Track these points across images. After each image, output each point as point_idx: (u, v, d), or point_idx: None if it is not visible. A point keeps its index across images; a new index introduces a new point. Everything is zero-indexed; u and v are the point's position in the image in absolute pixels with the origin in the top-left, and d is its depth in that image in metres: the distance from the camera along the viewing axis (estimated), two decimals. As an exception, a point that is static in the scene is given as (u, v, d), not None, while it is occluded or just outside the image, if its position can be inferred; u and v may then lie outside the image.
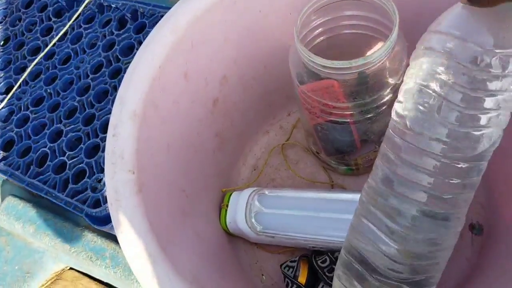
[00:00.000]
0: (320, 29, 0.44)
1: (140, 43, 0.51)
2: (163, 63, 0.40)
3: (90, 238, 0.52)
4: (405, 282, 0.35)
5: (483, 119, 0.30)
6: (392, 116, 0.35)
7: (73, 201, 0.44)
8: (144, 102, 0.39)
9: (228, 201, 0.50)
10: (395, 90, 0.40)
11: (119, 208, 0.34)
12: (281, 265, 0.48)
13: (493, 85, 0.29)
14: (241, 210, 0.49)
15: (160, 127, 0.41)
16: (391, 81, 0.40)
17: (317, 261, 0.46)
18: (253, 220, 0.49)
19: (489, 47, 0.29)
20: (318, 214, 0.47)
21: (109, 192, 0.35)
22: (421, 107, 0.32)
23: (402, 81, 0.34)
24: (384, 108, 0.41)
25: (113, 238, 0.52)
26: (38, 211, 0.55)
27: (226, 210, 0.50)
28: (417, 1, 0.43)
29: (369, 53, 0.42)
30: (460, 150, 0.31)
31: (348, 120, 0.43)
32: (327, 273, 0.45)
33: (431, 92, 0.31)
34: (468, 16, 0.30)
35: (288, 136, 0.58)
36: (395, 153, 0.34)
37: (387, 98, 0.40)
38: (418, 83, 0.32)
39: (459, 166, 0.32)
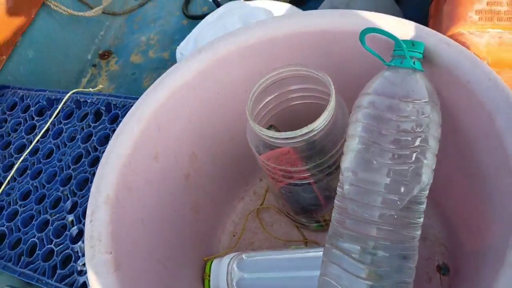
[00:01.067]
0: (272, 105, 0.50)
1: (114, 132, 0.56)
2: (133, 150, 0.45)
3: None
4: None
5: (413, 156, 0.36)
6: (341, 167, 0.39)
7: (61, 285, 0.47)
8: (116, 186, 0.43)
9: (210, 271, 0.53)
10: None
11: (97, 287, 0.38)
12: (263, 326, 0.50)
13: (409, 127, 0.36)
14: (223, 279, 0.52)
15: (134, 206, 0.45)
16: (338, 141, 0.44)
17: (296, 318, 0.49)
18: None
19: (403, 98, 0.36)
20: (295, 273, 0.50)
21: (89, 273, 0.38)
22: (359, 154, 0.37)
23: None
24: (337, 165, 0.45)
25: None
26: (31, 300, 0.57)
27: (209, 281, 0.53)
28: (356, 72, 0.49)
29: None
30: (398, 185, 0.36)
31: (308, 181, 0.47)
32: (306, 328, 0.47)
33: (365, 140, 0.37)
34: (386, 79, 0.38)
35: (262, 200, 0.62)
36: (345, 195, 0.39)
37: (337, 156, 0.45)
38: (353, 135, 0.38)
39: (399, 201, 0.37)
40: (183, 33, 0.87)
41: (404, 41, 0.38)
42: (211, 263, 0.54)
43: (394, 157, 0.37)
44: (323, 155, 0.44)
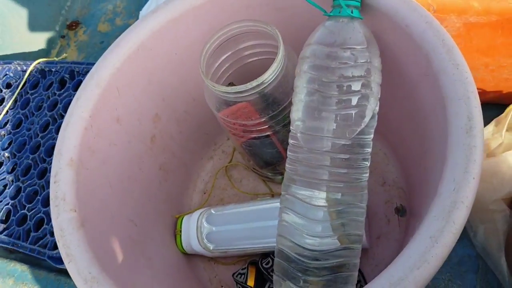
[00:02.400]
0: (228, 63, 0.51)
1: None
2: (93, 113, 0.46)
3: (64, 280, 0.57)
4: (327, 272, 0.40)
5: (356, 100, 0.38)
6: (290, 117, 0.41)
7: (35, 247, 0.50)
8: (80, 149, 0.44)
9: (181, 226, 0.56)
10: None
11: (64, 244, 0.40)
12: (233, 274, 0.53)
13: (350, 72, 0.38)
14: (193, 234, 0.54)
15: (99, 168, 0.46)
16: (290, 93, 0.46)
17: (262, 264, 0.52)
18: (205, 241, 0.54)
19: (342, 45, 0.38)
20: (261, 223, 0.53)
21: (55, 230, 0.41)
22: (306, 104, 0.40)
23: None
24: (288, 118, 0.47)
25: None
26: (14, 265, 0.60)
27: (180, 236, 0.55)
28: (305, 25, 0.50)
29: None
30: (344, 129, 0.39)
31: (267, 133, 0.49)
32: (271, 273, 0.50)
33: (309, 89, 0.39)
34: (326, 29, 0.40)
35: (230, 158, 0.64)
36: (297, 142, 0.41)
37: (290, 108, 0.46)
38: (299, 86, 0.40)
39: (346, 144, 0.39)
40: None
41: None
42: (182, 219, 0.56)
43: (338, 103, 0.39)
44: (277, 106, 0.46)
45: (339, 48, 0.39)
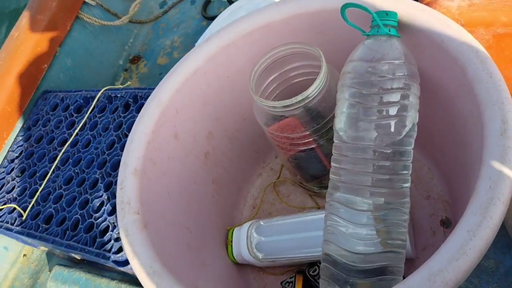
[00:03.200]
0: (275, 84, 0.55)
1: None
2: (154, 129, 0.51)
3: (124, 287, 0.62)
4: (372, 275, 0.42)
5: (392, 110, 0.41)
6: (333, 129, 0.45)
7: (101, 251, 0.55)
8: (143, 160, 0.49)
9: (232, 237, 0.59)
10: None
11: (128, 242, 0.44)
12: (281, 283, 0.56)
13: (388, 85, 0.41)
14: (243, 243, 0.58)
15: (159, 178, 0.51)
16: (333, 107, 0.49)
17: (309, 272, 0.54)
18: (254, 250, 0.57)
19: (380, 60, 0.41)
20: (307, 233, 0.55)
21: (121, 231, 0.45)
22: (348, 115, 0.43)
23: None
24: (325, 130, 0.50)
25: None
26: (80, 274, 0.65)
27: (231, 246, 0.59)
28: (346, 45, 0.54)
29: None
30: (385, 138, 0.41)
31: (312, 146, 0.52)
32: (318, 280, 0.52)
33: (351, 101, 0.42)
34: (366, 47, 0.43)
35: (278, 174, 0.67)
36: (340, 152, 0.44)
37: (326, 124, 0.50)
38: (341, 99, 0.44)
39: (387, 151, 0.42)
40: (203, 33, 0.93)
41: (378, 12, 0.43)
42: (233, 230, 0.60)
43: (378, 113, 0.42)
44: (321, 119, 0.49)
45: (378, 63, 0.42)
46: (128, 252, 0.44)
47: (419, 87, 0.43)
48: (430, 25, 0.44)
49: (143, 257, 0.43)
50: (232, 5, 0.80)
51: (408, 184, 0.44)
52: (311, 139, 0.51)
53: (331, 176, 0.46)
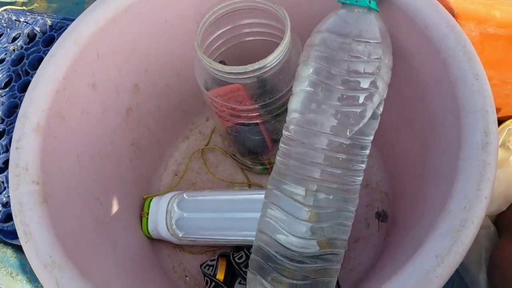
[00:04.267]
0: (223, 39, 0.47)
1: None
2: (67, 75, 0.41)
3: (10, 254, 0.52)
4: (307, 275, 0.38)
5: (361, 98, 0.36)
6: (288, 108, 0.39)
7: (-17, 217, 0.44)
8: (48, 114, 0.39)
9: (148, 209, 0.51)
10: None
11: (23, 219, 0.35)
12: (201, 265, 0.50)
13: (361, 68, 0.35)
14: (162, 218, 0.50)
15: (68, 138, 0.41)
16: (289, 81, 0.42)
17: (234, 258, 0.48)
18: (174, 227, 0.50)
19: (356, 37, 0.35)
20: (235, 214, 0.49)
21: (13, 204, 0.36)
22: (308, 95, 0.37)
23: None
24: (287, 106, 0.44)
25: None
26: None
27: (147, 219, 0.51)
28: (314, 9, 0.46)
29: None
30: (344, 127, 0.36)
31: (256, 121, 0.45)
32: (243, 269, 0.47)
33: (314, 80, 0.36)
34: (340, 17, 0.37)
35: (207, 140, 0.60)
36: (291, 135, 0.38)
37: (287, 97, 0.43)
38: (303, 75, 0.37)
39: (345, 143, 0.37)
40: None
41: None
42: (150, 200, 0.52)
43: (343, 99, 0.36)
44: (273, 94, 0.42)
45: (353, 40, 0.36)
46: (21, 233, 0.35)
47: (390, 74, 0.38)
48: (416, 6, 0.38)
49: (40, 242, 0.34)
50: None
51: (360, 180, 0.40)
52: (256, 114, 0.44)
53: (277, 160, 0.40)
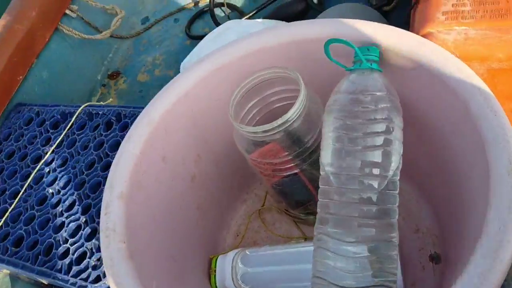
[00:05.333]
0: (256, 109, 0.54)
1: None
2: (143, 150, 0.49)
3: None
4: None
5: (380, 141, 0.41)
6: (320, 162, 0.44)
7: (77, 279, 0.51)
8: (129, 183, 0.47)
9: (215, 266, 0.57)
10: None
11: (113, 273, 0.41)
12: (267, 316, 0.53)
13: (372, 116, 0.41)
14: (228, 274, 0.55)
15: (146, 203, 0.49)
16: (313, 130, 0.48)
17: (297, 306, 0.52)
18: (240, 281, 0.54)
19: (363, 92, 0.42)
20: (295, 266, 0.54)
21: (105, 260, 0.42)
22: (334, 147, 0.43)
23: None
24: (318, 153, 0.49)
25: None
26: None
27: (214, 276, 0.56)
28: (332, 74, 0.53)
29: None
30: (372, 170, 0.41)
31: (295, 171, 0.51)
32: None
33: (337, 134, 0.42)
34: (349, 80, 0.44)
35: (263, 201, 0.65)
36: (328, 187, 0.43)
37: (316, 144, 0.49)
38: (326, 131, 0.43)
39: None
40: (186, 52, 0.91)
41: (361, 48, 0.44)
42: (217, 259, 0.57)
43: (364, 145, 0.41)
44: (302, 143, 0.48)
45: (361, 94, 0.42)
46: (112, 285, 0.41)
47: (401, 119, 0.43)
48: (431, 58, 0.44)
49: (130, 291, 0.40)
50: (220, 26, 0.79)
51: (396, 216, 0.43)
52: (293, 164, 0.50)
53: (318, 209, 0.45)
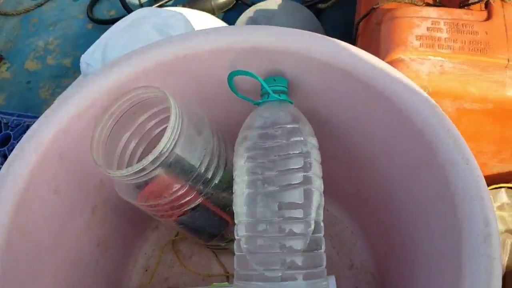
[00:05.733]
0: (135, 141, 0.43)
1: (5, 157, 0.47)
2: (28, 184, 0.37)
3: None
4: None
5: (296, 177, 0.36)
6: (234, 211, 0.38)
7: None
8: (8, 230, 0.35)
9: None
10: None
11: None
12: None
13: (284, 151, 0.36)
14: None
15: (31, 254, 0.37)
16: (200, 151, 0.40)
17: None
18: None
19: (273, 126, 0.37)
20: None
21: None
22: (248, 191, 0.37)
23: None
24: (218, 175, 0.42)
25: None
26: None
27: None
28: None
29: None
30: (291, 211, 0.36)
31: (199, 200, 0.42)
32: None
33: (251, 175, 0.37)
34: (257, 114, 0.39)
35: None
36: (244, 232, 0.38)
37: (211, 167, 0.41)
38: (238, 175, 0.38)
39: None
40: (88, 38, 0.78)
41: (267, 79, 0.40)
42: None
43: (280, 184, 0.36)
44: (193, 168, 0.39)
45: (271, 128, 0.37)
46: None
47: (319, 153, 0.39)
48: (394, 89, 0.38)
49: None
50: (132, 14, 0.66)
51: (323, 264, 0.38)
52: (193, 194, 0.41)
53: (235, 266, 0.39)
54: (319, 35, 0.41)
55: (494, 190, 0.49)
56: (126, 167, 0.38)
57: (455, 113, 0.44)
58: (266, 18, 0.73)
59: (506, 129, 0.45)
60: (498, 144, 0.48)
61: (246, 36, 0.42)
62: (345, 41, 0.40)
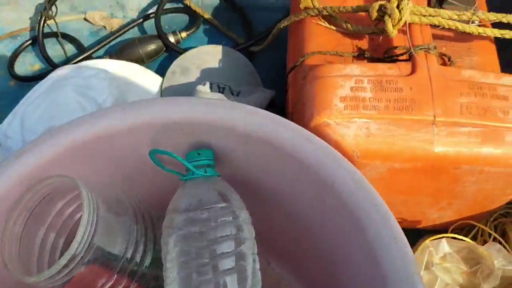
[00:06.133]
0: (53, 234, 0.40)
1: None
2: None
3: None
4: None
5: (229, 261, 0.34)
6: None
7: None
8: None
9: None
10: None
11: None
12: None
13: (213, 235, 0.34)
14: None
15: None
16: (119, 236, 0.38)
17: None
18: None
19: (198, 208, 0.35)
20: None
21: None
22: (180, 277, 0.34)
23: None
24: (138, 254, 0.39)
25: None
26: None
27: None
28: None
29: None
30: None
31: (133, 286, 0.39)
32: None
33: (181, 263, 0.35)
34: (183, 193, 0.37)
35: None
36: None
37: (131, 249, 0.38)
38: (169, 261, 0.35)
39: None
40: (9, 97, 0.74)
41: (189, 153, 0.38)
42: None
43: (214, 270, 0.34)
44: (117, 258, 0.37)
45: (197, 211, 0.35)
46: None
47: (252, 228, 0.37)
48: (320, 161, 0.36)
49: None
50: (52, 74, 0.62)
51: None
52: (125, 279, 0.38)
53: None
54: (242, 105, 0.40)
55: (436, 240, 0.49)
56: (48, 266, 0.35)
57: (387, 173, 0.43)
58: (197, 66, 0.71)
59: (439, 183, 0.45)
60: (434, 196, 0.48)
61: (166, 110, 0.39)
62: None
